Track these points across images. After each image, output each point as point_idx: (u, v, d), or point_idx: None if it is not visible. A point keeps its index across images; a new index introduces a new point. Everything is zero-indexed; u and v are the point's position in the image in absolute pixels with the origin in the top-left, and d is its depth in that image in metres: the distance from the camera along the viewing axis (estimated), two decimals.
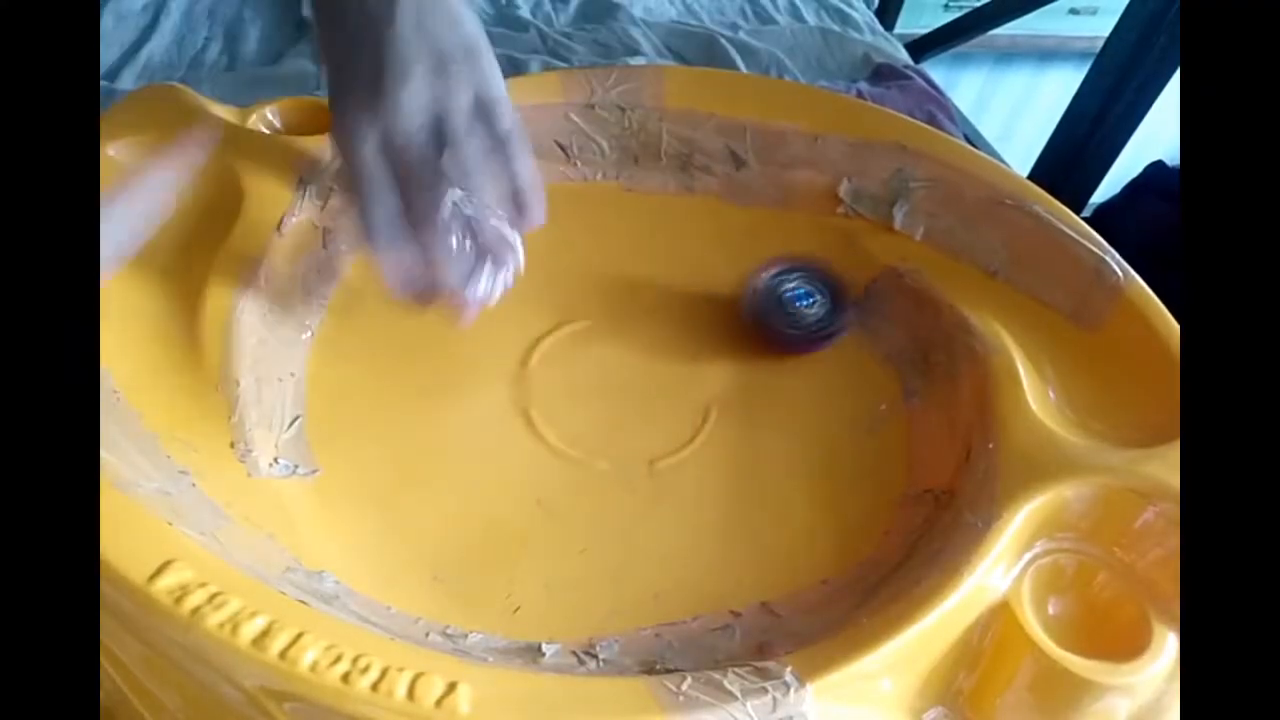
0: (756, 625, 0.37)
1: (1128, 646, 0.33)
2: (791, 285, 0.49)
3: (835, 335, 0.48)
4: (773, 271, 0.49)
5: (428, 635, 0.35)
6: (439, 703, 0.27)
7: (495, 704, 0.27)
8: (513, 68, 0.82)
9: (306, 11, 0.87)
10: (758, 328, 0.48)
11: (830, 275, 0.49)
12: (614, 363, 0.49)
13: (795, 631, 0.36)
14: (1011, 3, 1.20)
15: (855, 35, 0.96)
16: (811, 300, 0.48)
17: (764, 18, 0.98)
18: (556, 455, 0.44)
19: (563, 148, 0.58)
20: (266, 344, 0.44)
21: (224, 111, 0.52)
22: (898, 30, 1.28)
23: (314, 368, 0.46)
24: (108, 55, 0.80)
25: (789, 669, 0.30)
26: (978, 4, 1.35)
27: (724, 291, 0.53)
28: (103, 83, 0.77)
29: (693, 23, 0.95)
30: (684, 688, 0.29)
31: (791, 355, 0.49)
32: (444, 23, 0.39)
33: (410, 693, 0.27)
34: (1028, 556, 0.35)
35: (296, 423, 0.43)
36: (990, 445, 0.39)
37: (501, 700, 0.28)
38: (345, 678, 0.27)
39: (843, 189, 0.55)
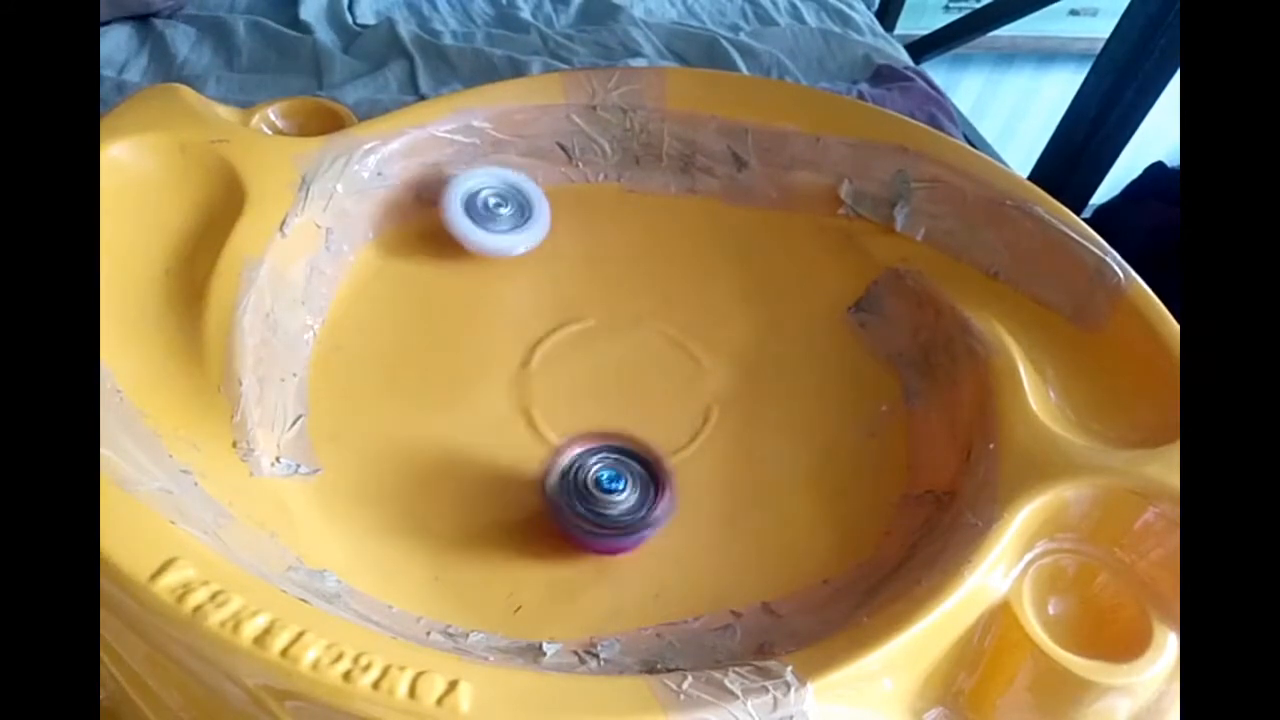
0: (757, 625, 0.37)
1: (1128, 647, 0.33)
2: (598, 467, 0.40)
3: (647, 529, 0.39)
4: (575, 452, 0.40)
5: (429, 634, 0.35)
6: (440, 701, 0.27)
7: (496, 703, 0.28)
8: (514, 69, 0.82)
9: (304, 14, 0.88)
10: (555, 518, 0.39)
11: (642, 455, 0.41)
12: (614, 363, 0.49)
13: (796, 631, 0.36)
14: (1012, 4, 1.20)
15: (856, 37, 0.96)
16: (621, 484, 0.39)
17: (765, 19, 0.99)
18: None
19: (564, 149, 0.58)
20: (269, 344, 0.44)
21: (226, 112, 0.52)
22: (898, 31, 1.28)
23: (316, 368, 0.46)
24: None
25: (790, 669, 0.30)
26: (978, 5, 1.35)
27: (725, 294, 0.53)
28: (110, 74, 0.77)
29: (694, 24, 0.95)
30: (685, 687, 0.29)
31: (596, 553, 0.40)
32: None
33: (411, 691, 0.27)
34: (1028, 557, 0.36)
35: (299, 422, 0.43)
36: (991, 446, 0.39)
37: (502, 699, 0.28)
38: (346, 676, 0.27)
39: (844, 190, 0.55)
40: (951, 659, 0.33)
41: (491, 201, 0.52)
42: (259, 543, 0.36)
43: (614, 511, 0.39)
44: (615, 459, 0.40)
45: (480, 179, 0.52)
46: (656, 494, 0.39)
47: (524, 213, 0.53)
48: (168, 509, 0.32)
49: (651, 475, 0.40)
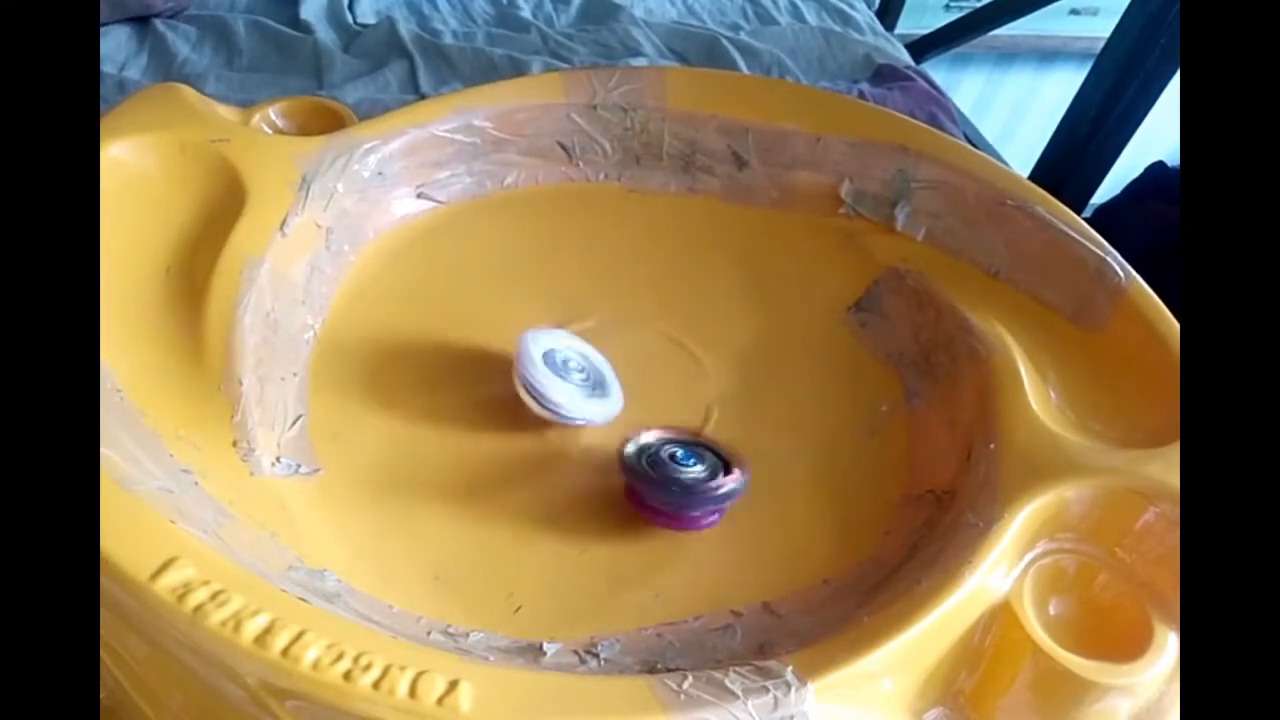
0: (757, 625, 0.37)
1: (1128, 647, 0.33)
2: (672, 450, 0.41)
3: (724, 499, 0.40)
4: (647, 439, 0.42)
5: (429, 634, 0.35)
6: (440, 701, 0.27)
7: (496, 702, 0.28)
8: (514, 68, 0.82)
9: (305, 13, 0.88)
10: (633, 494, 0.41)
11: (711, 444, 0.43)
12: (614, 363, 0.49)
13: (796, 631, 0.36)
14: (1012, 3, 1.20)
15: (856, 36, 0.96)
16: (694, 461, 0.41)
17: (765, 18, 0.98)
18: (558, 455, 0.44)
19: (565, 148, 0.58)
20: (269, 343, 0.44)
21: (227, 111, 0.52)
22: (899, 31, 1.28)
23: (316, 367, 0.46)
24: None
25: (790, 668, 0.30)
26: (979, 4, 1.35)
27: (725, 294, 0.53)
28: (110, 72, 0.77)
29: (694, 23, 0.95)
30: (685, 687, 0.29)
31: (674, 527, 0.41)
32: None
33: (412, 691, 0.27)
34: (1029, 557, 0.35)
35: (299, 422, 0.43)
36: (991, 446, 0.39)
37: (502, 699, 0.28)
38: (347, 675, 0.27)
39: (844, 189, 0.55)
40: (952, 659, 0.33)
41: (574, 363, 0.45)
42: (259, 542, 0.36)
43: (687, 479, 0.40)
44: (689, 446, 0.42)
45: (556, 339, 0.46)
46: (727, 472, 0.41)
47: (599, 384, 0.46)
48: (168, 508, 0.32)
49: (722, 460, 0.42)
